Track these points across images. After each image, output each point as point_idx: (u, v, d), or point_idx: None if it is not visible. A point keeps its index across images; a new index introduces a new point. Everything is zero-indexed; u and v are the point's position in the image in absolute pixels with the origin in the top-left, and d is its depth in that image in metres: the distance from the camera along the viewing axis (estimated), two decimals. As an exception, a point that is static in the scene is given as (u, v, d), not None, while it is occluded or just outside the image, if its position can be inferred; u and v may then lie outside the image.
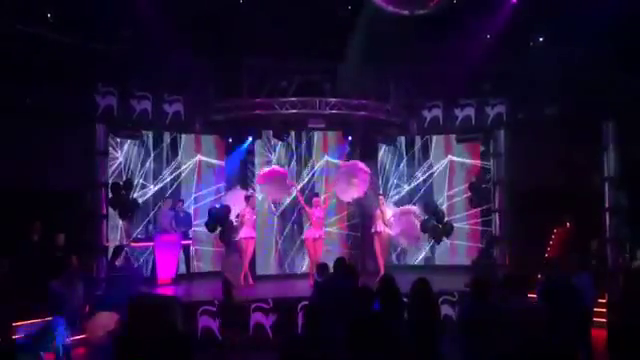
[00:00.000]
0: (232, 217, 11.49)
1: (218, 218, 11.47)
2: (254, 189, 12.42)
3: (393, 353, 5.30)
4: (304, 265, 12.81)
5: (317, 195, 11.85)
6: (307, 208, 11.51)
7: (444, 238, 12.35)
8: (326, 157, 13.45)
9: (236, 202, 11.64)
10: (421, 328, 5.47)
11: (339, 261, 7.40)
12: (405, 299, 5.78)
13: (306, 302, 8.66)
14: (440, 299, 9.30)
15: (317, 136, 13.42)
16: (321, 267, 7.74)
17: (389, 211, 11.67)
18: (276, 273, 12.87)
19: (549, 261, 10.81)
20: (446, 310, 9.65)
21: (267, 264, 12.87)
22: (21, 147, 10.06)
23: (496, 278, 9.71)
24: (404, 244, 12.18)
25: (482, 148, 13.36)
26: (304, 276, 12.00)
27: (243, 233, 11.23)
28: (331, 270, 7.45)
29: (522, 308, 6.10)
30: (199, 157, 13.05)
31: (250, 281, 11.31)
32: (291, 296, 10.10)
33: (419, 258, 13.61)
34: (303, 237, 11.91)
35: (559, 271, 7.12)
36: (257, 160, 12.98)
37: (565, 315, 6.21)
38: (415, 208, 12.04)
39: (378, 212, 11.60)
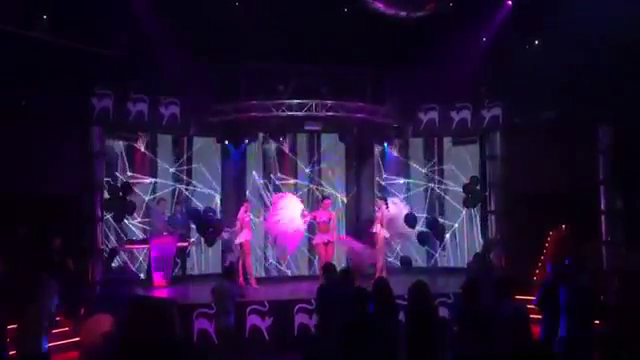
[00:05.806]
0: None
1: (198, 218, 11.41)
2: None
3: (387, 353, 5.32)
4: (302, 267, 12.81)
5: (327, 197, 11.82)
6: (315, 212, 11.45)
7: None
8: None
9: None
10: (418, 330, 5.48)
11: (329, 266, 7.50)
12: (402, 301, 5.80)
13: (303, 304, 8.66)
14: (436, 301, 9.28)
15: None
16: (325, 267, 7.71)
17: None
18: (273, 275, 12.82)
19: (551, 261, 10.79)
20: (442, 312, 9.62)
21: (263, 266, 12.84)
22: (17, 149, 10.00)
23: (491, 280, 9.67)
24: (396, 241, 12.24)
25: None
26: (302, 278, 11.99)
27: (242, 237, 11.16)
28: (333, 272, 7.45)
29: (514, 309, 6.13)
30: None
31: (253, 283, 11.16)
32: (288, 298, 10.07)
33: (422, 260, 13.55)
34: (314, 242, 11.67)
35: (561, 271, 7.09)
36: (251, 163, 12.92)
37: (568, 314, 6.21)
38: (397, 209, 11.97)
39: (378, 215, 11.59)
